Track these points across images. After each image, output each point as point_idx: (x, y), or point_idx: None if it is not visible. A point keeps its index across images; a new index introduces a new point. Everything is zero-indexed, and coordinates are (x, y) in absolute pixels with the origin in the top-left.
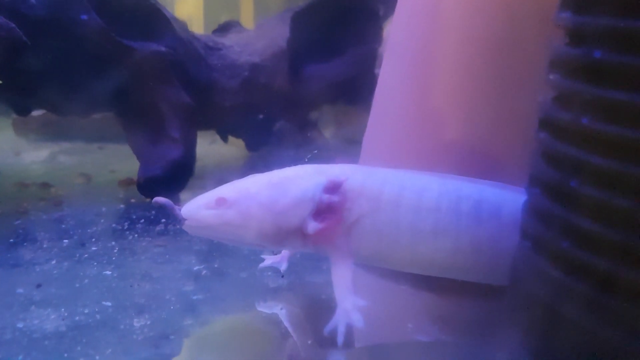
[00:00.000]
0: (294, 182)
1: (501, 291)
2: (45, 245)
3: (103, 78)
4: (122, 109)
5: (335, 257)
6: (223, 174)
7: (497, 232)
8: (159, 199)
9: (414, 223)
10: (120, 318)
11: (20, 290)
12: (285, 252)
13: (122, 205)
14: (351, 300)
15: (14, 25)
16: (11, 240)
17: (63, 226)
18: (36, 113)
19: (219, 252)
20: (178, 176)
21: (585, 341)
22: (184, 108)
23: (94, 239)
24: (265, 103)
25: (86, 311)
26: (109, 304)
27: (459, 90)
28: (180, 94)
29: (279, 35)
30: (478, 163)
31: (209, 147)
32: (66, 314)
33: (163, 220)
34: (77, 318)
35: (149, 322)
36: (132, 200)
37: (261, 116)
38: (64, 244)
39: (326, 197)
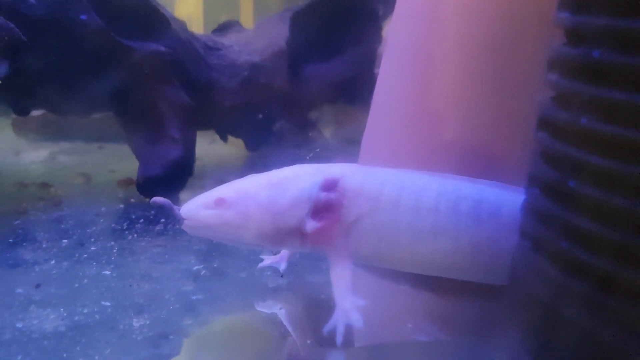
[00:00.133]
0: (293, 182)
1: (501, 291)
2: (44, 245)
3: (102, 78)
4: (121, 109)
5: (334, 257)
6: (222, 174)
7: (497, 232)
8: (158, 199)
9: (413, 223)
10: (119, 318)
11: (19, 290)
12: (284, 252)
13: (121, 205)
14: (350, 300)
15: (13, 25)
16: (10, 240)
17: (62, 226)
18: (36, 113)
19: (218, 252)
20: (177, 176)
21: (584, 341)
22: (183, 108)
23: (93, 239)
24: (265, 103)
25: (85, 311)
26: (108, 304)
27: (458, 90)
28: (179, 93)
29: (279, 35)
30: (477, 163)
31: (209, 147)
32: (65, 314)
33: (162, 220)
34: (76, 318)
35: (148, 322)
36: (132, 200)
37: (261, 116)
38: (64, 244)
39: (323, 195)
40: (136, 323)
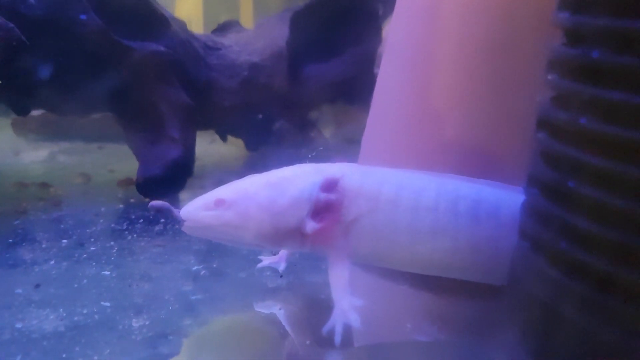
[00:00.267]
0: (292, 182)
1: (500, 291)
2: (44, 245)
3: (102, 78)
4: (121, 109)
5: (333, 257)
6: (222, 174)
7: (496, 231)
8: (155, 203)
9: (412, 223)
10: (119, 318)
11: (19, 291)
12: (283, 252)
13: (121, 205)
14: (348, 300)
15: (13, 25)
16: (10, 240)
17: (62, 226)
18: (35, 113)
19: (217, 252)
20: (177, 176)
21: (583, 341)
22: (183, 108)
23: (92, 239)
24: (265, 103)
25: (85, 311)
26: (107, 304)
27: (458, 90)
28: (179, 93)
29: (279, 35)
30: (477, 163)
31: (209, 147)
32: (65, 314)
33: (162, 220)
34: (75, 318)
35: (147, 322)
36: (131, 200)
37: (260, 116)
38: (63, 244)
39: (323, 196)
40: (135, 323)
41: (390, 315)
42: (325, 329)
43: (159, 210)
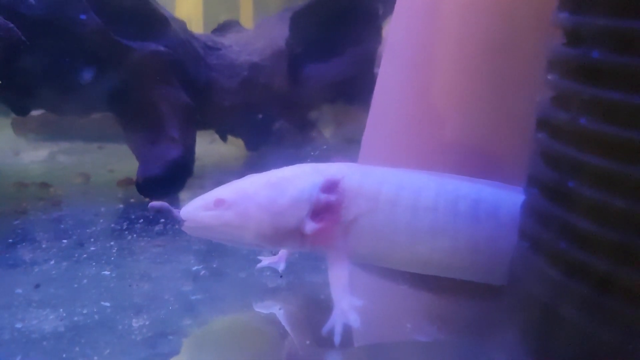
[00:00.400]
0: (292, 182)
1: (500, 291)
2: (44, 245)
3: (102, 78)
4: (121, 109)
5: (332, 257)
6: (222, 174)
7: (495, 231)
8: (155, 204)
9: (411, 222)
10: (118, 318)
11: (18, 291)
12: (283, 252)
13: (121, 205)
14: (347, 300)
15: (12, 25)
16: (10, 240)
17: (62, 226)
18: (35, 113)
19: (217, 252)
20: (177, 176)
21: (583, 341)
22: (183, 108)
23: (92, 239)
24: (265, 102)
25: (85, 311)
26: (107, 304)
27: (458, 90)
28: (179, 93)
29: (279, 34)
30: (476, 163)
31: (209, 147)
32: (65, 314)
33: (162, 220)
34: (75, 318)
35: (147, 323)
36: (131, 200)
37: (260, 116)
38: (63, 244)
39: (323, 197)
40: (135, 323)
41: (390, 315)
42: (324, 329)
43: (159, 211)
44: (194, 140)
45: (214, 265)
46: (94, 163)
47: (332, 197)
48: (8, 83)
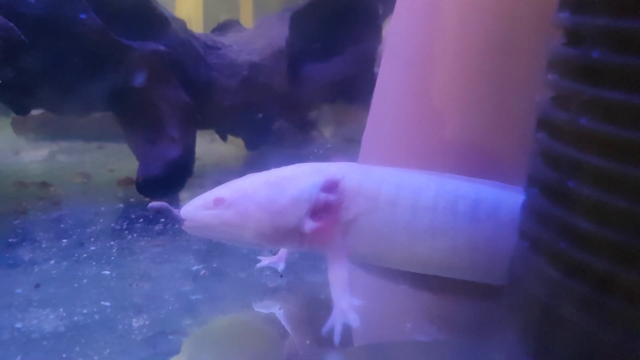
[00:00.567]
0: (291, 181)
1: (500, 291)
2: (44, 245)
3: (102, 77)
4: (121, 109)
5: (332, 256)
6: (222, 173)
7: (495, 231)
8: (154, 204)
9: (411, 222)
10: (118, 318)
11: (18, 290)
12: (282, 252)
13: (121, 205)
14: (347, 300)
15: (12, 24)
16: (10, 239)
17: (62, 226)
18: (35, 112)
19: (217, 251)
20: (177, 176)
21: (583, 341)
22: (183, 107)
23: (92, 239)
24: (265, 102)
25: (85, 311)
26: (107, 304)
27: (458, 90)
28: (179, 93)
29: (278, 34)
30: (476, 162)
31: (209, 146)
32: (65, 314)
33: (162, 220)
34: (75, 318)
35: (147, 322)
36: (131, 200)
37: (260, 115)
38: (63, 244)
39: (323, 196)
40: (135, 323)
41: (390, 315)
42: (324, 329)
43: (159, 211)
44: (194, 140)
45: (214, 265)
46: (94, 163)
47: (331, 197)
48: (8, 82)
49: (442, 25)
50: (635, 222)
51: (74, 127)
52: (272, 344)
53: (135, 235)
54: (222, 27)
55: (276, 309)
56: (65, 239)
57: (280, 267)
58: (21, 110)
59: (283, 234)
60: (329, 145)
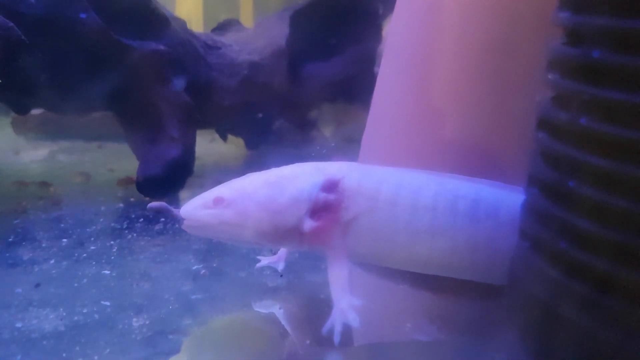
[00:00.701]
0: (291, 181)
1: (500, 291)
2: (44, 245)
3: (102, 77)
4: (121, 108)
5: (332, 256)
6: (222, 173)
7: (494, 231)
8: (154, 204)
9: (410, 222)
10: (118, 318)
11: (18, 290)
12: (282, 252)
13: (121, 205)
14: (347, 300)
15: (12, 24)
16: (10, 239)
17: (62, 225)
18: (35, 112)
19: (217, 251)
20: (177, 175)
21: (583, 341)
22: (183, 107)
23: (92, 239)
24: (265, 102)
25: (85, 311)
26: (107, 303)
27: (458, 90)
28: (179, 92)
29: (278, 34)
30: (476, 162)
31: (209, 146)
32: (65, 314)
33: (162, 219)
34: (75, 318)
35: (147, 322)
36: (131, 200)
37: (260, 115)
38: (63, 244)
39: (323, 196)
40: (135, 323)
41: (390, 315)
42: (324, 329)
43: (158, 211)
44: (194, 140)
45: (214, 265)
46: (94, 162)
47: (331, 197)
48: (8, 82)
49: (442, 25)
50: (635, 222)
51: (74, 126)
52: (272, 343)
53: (135, 234)
54: (222, 27)
55: (276, 309)
56: (65, 238)
57: (280, 266)
58: (21, 109)
59: (283, 233)
60: (330, 145)
